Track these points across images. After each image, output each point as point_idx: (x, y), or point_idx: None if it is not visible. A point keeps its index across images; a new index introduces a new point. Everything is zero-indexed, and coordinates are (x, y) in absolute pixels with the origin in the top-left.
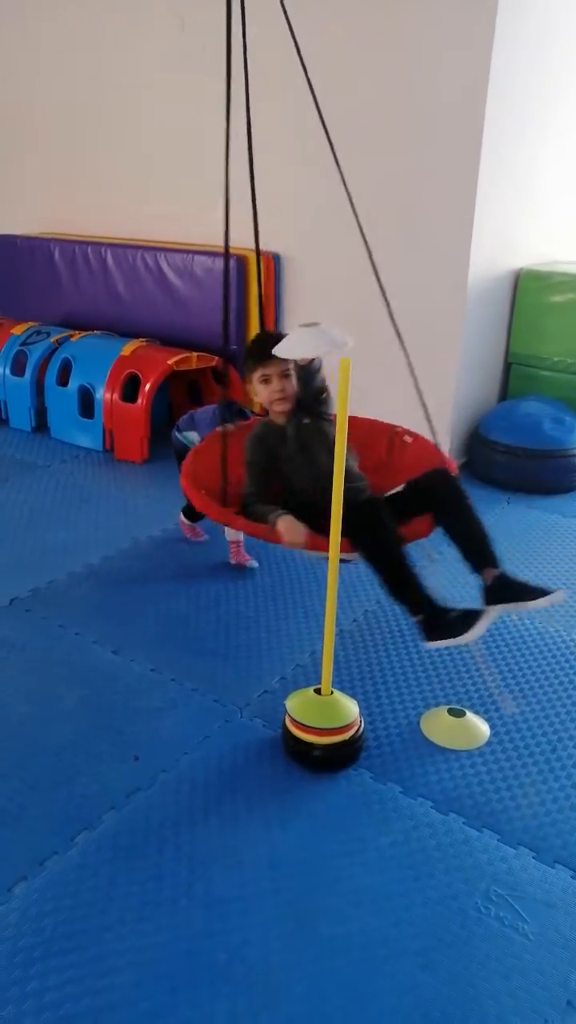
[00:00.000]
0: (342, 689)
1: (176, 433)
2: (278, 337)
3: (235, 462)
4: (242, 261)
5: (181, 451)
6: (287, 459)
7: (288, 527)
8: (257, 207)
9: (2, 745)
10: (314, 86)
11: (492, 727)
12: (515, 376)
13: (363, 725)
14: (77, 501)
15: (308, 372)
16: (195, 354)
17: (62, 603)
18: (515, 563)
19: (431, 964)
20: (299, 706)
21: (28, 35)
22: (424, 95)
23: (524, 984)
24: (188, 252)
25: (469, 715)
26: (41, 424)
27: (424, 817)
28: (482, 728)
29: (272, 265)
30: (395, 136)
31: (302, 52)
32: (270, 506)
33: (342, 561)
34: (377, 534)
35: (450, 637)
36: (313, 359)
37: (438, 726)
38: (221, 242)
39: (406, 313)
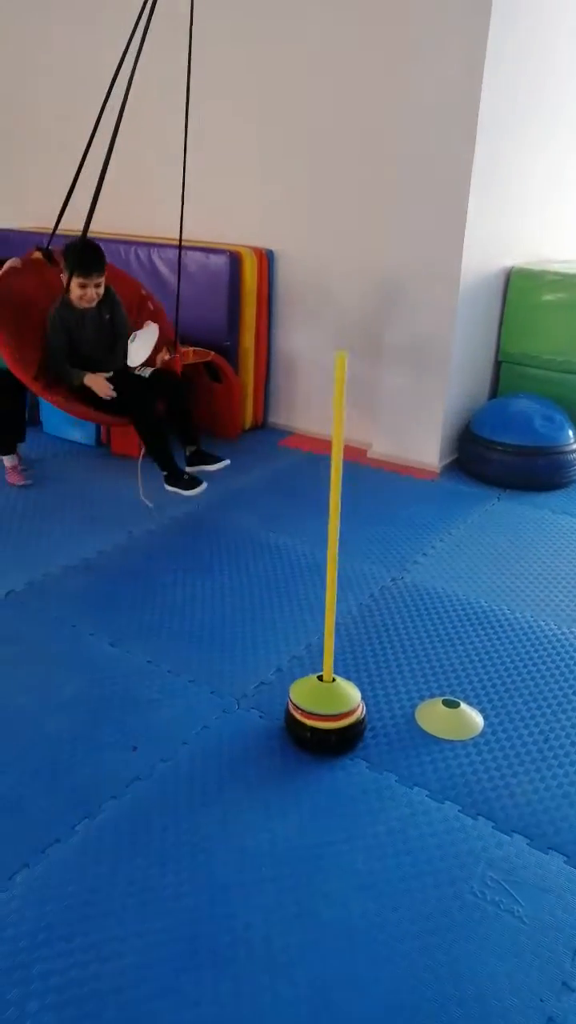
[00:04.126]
0: None
1: None
2: (98, 250)
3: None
4: (236, 257)
5: None
6: (82, 340)
7: (94, 379)
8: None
9: (1, 736)
10: (306, 83)
11: (486, 718)
12: (505, 374)
13: (365, 710)
14: (72, 495)
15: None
16: (191, 349)
17: (58, 596)
18: (507, 557)
19: (429, 947)
20: (304, 693)
21: (29, 34)
22: (419, 92)
23: (520, 966)
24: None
25: (463, 706)
26: (33, 419)
27: (420, 805)
28: (476, 719)
29: (266, 261)
30: (388, 134)
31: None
32: (73, 369)
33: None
34: (150, 413)
35: (184, 489)
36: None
37: (433, 717)
38: (213, 238)
39: (399, 311)
